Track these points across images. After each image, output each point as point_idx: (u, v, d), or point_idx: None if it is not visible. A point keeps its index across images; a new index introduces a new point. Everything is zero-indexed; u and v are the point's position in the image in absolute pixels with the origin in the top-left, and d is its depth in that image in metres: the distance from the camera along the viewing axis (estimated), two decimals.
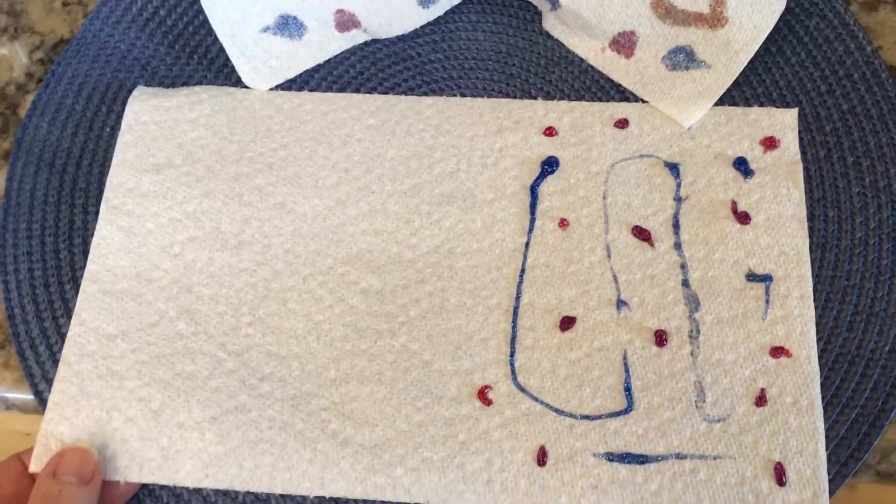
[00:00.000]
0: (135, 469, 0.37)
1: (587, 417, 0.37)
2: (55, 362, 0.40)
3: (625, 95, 0.44)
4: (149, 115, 0.45)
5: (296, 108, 0.45)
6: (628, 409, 0.37)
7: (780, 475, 0.35)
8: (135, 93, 0.45)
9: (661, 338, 0.38)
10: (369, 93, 0.46)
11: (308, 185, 0.43)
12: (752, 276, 0.39)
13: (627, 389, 0.38)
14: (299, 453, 0.37)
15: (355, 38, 0.47)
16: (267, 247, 0.41)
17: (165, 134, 0.44)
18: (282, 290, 0.40)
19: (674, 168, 0.42)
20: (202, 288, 0.41)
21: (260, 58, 0.45)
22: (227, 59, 0.47)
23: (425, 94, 0.45)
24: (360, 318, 0.40)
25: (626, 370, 0.38)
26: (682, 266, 0.40)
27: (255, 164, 0.43)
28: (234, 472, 0.37)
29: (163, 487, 0.38)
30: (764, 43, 0.43)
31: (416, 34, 0.47)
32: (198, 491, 0.38)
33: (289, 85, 0.46)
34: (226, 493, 0.38)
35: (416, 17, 0.46)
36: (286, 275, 0.41)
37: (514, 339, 0.39)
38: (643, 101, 0.44)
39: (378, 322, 0.40)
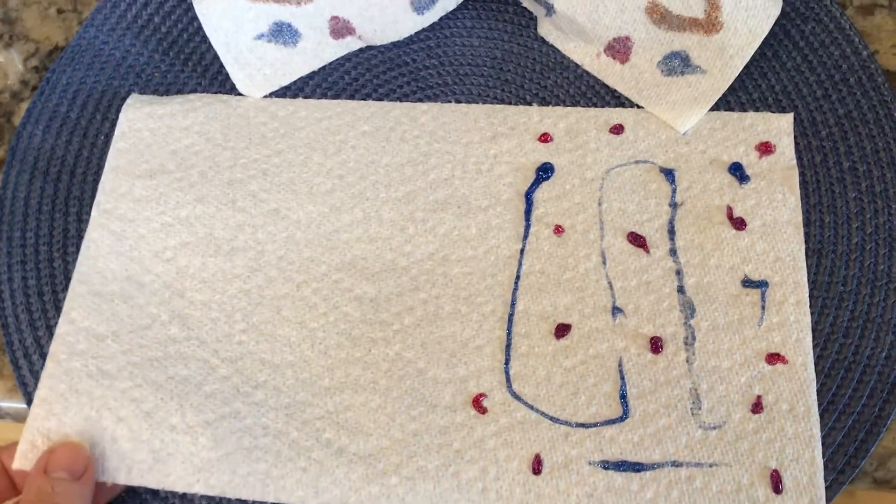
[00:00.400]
0: (124, 470, 0.37)
1: (582, 425, 0.37)
2: None
3: (620, 101, 0.44)
4: (142, 123, 0.44)
5: (290, 115, 0.45)
6: (624, 417, 0.37)
7: (776, 482, 0.35)
8: (129, 100, 0.45)
9: (656, 345, 0.38)
10: (364, 99, 0.46)
11: (302, 192, 0.43)
12: (747, 283, 0.39)
13: (623, 397, 0.37)
14: (293, 461, 0.37)
15: (350, 44, 0.46)
16: (260, 253, 0.41)
17: (159, 141, 0.44)
18: (275, 297, 0.40)
19: (669, 174, 0.42)
20: (195, 293, 0.40)
21: (254, 65, 0.45)
22: (222, 66, 0.47)
23: (420, 100, 0.45)
24: (354, 325, 0.40)
25: (622, 377, 0.38)
26: (678, 272, 0.40)
27: (249, 171, 0.43)
28: (226, 478, 0.36)
29: (153, 496, 0.38)
30: (759, 47, 0.43)
31: (410, 40, 0.47)
32: (189, 501, 0.38)
33: (283, 92, 0.46)
34: (218, 501, 0.38)
35: (411, 24, 0.46)
36: (280, 282, 0.41)
37: (508, 346, 0.39)
38: (638, 107, 0.44)
39: (372, 330, 0.40)
